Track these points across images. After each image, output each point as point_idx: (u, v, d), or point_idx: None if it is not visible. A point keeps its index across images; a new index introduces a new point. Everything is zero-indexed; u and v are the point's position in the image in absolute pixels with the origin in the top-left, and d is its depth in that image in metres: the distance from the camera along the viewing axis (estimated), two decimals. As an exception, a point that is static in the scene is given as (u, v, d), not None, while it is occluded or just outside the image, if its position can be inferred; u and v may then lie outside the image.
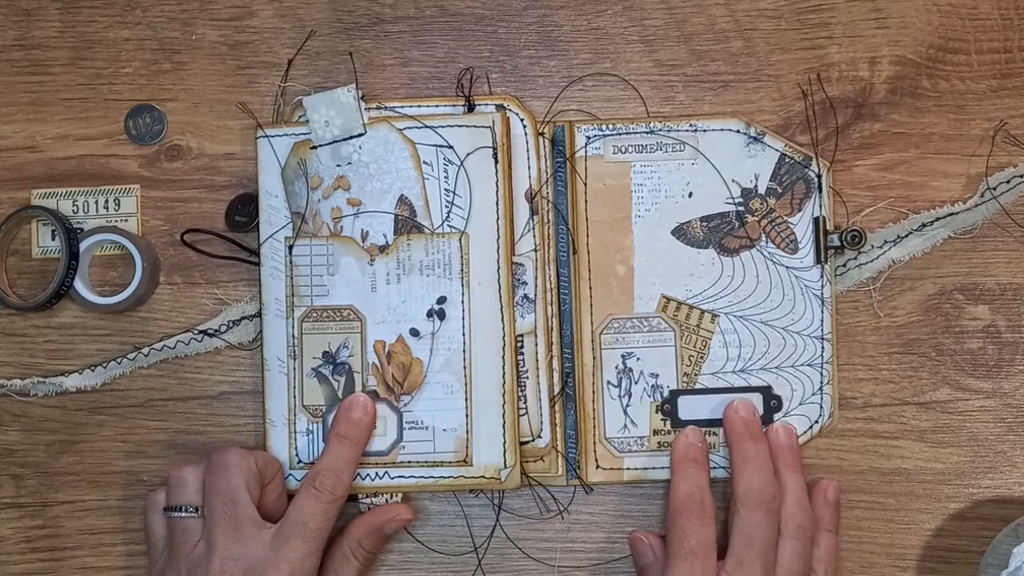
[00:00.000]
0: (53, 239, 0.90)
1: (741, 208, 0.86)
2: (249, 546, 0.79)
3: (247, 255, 0.89)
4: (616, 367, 0.87)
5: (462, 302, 0.85)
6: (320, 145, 0.87)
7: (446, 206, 0.86)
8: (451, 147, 0.86)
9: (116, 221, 0.90)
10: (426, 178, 0.86)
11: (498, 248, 0.85)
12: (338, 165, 0.87)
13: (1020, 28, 0.89)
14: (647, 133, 0.87)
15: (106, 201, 0.90)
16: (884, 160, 0.88)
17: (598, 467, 0.86)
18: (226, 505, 0.80)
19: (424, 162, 0.86)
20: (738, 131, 0.87)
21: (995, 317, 0.88)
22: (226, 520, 0.80)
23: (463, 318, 0.85)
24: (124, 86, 0.91)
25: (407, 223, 0.86)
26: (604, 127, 0.87)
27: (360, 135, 0.87)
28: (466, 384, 0.85)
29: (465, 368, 0.85)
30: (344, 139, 0.86)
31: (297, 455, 0.86)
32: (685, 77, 0.89)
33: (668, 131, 0.87)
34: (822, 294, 0.86)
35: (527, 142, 0.87)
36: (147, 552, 0.84)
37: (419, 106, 0.87)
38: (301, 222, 0.86)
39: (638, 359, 0.86)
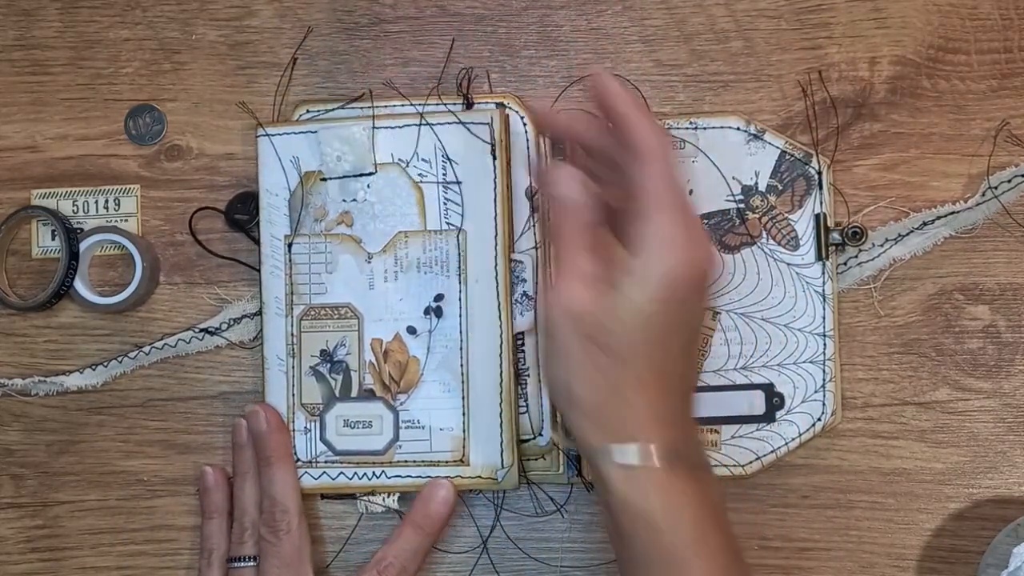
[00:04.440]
0: (53, 239, 0.90)
1: (742, 205, 0.86)
2: None
3: (249, 245, 0.89)
4: (617, 365, 0.86)
5: (460, 300, 0.85)
6: (330, 178, 0.87)
7: (444, 203, 0.86)
8: (447, 150, 0.86)
9: (116, 221, 0.90)
10: (424, 176, 0.86)
11: (496, 246, 0.85)
12: (344, 200, 0.86)
13: (1020, 28, 0.89)
14: (647, 131, 0.87)
15: (106, 201, 0.90)
16: (884, 160, 0.88)
17: (599, 465, 0.86)
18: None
19: (422, 159, 0.86)
20: (738, 128, 0.87)
21: (995, 317, 0.88)
22: None
23: (460, 316, 0.85)
24: (124, 86, 0.91)
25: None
26: (604, 125, 0.87)
27: (370, 174, 0.87)
28: (463, 383, 0.85)
29: (462, 367, 0.85)
30: (354, 176, 0.87)
31: (295, 454, 0.86)
32: (685, 77, 0.89)
33: (668, 128, 0.87)
34: (823, 291, 0.86)
35: (527, 140, 0.87)
36: None
37: (418, 104, 0.87)
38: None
39: (639, 357, 0.86)
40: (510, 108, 0.87)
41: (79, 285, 0.88)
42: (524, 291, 0.85)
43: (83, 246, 0.88)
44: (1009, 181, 0.87)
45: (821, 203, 0.86)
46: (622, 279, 0.71)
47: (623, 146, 0.74)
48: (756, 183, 0.86)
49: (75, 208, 0.90)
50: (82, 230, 0.89)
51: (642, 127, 0.73)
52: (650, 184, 0.72)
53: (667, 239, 0.71)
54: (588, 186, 0.75)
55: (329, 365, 0.86)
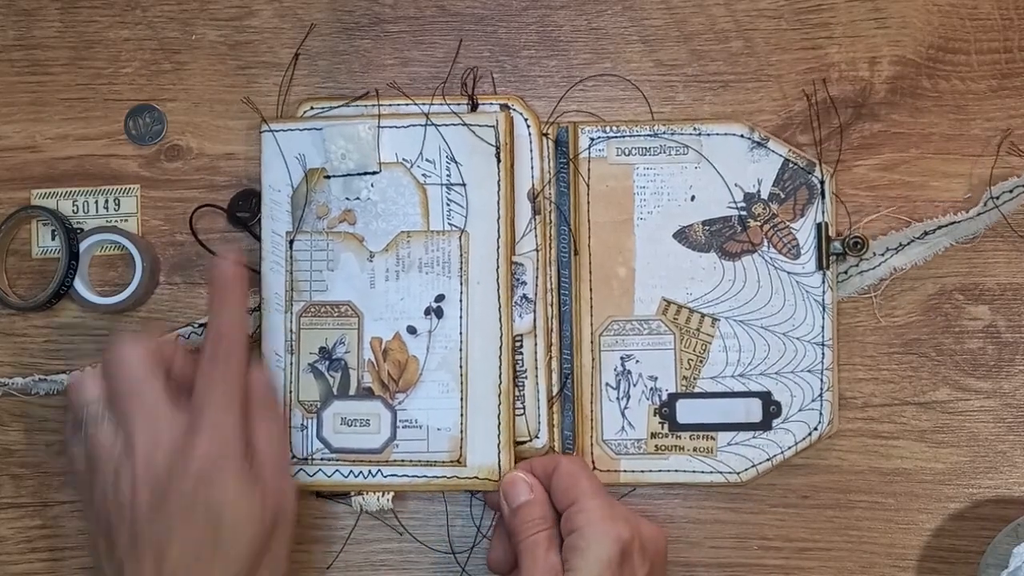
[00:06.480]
0: (53, 239, 0.90)
1: (743, 212, 0.86)
2: (166, 429, 0.76)
3: (249, 245, 0.89)
4: (615, 369, 0.87)
5: (460, 301, 0.85)
6: (334, 176, 0.87)
7: (447, 204, 0.86)
8: (452, 151, 0.86)
9: (116, 221, 0.90)
10: (428, 177, 0.86)
11: (498, 248, 0.85)
12: (347, 198, 0.87)
13: (1020, 28, 0.89)
14: (650, 136, 0.87)
15: (106, 201, 0.90)
16: (884, 160, 0.88)
17: (595, 468, 0.86)
18: (133, 397, 0.76)
19: (426, 159, 0.86)
20: (742, 136, 0.86)
21: (995, 317, 0.88)
22: (138, 412, 0.76)
23: (461, 317, 0.85)
24: (124, 86, 0.91)
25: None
26: (608, 129, 0.87)
27: (374, 173, 0.87)
28: (462, 383, 0.85)
29: (461, 367, 0.85)
30: (358, 174, 0.87)
31: (291, 450, 0.86)
32: (685, 77, 0.89)
33: (672, 134, 0.87)
34: (823, 300, 0.86)
35: (531, 142, 0.87)
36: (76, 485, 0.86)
37: (422, 104, 0.87)
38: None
39: (637, 361, 0.86)
40: (514, 110, 0.87)
41: (79, 285, 0.88)
42: (524, 293, 0.85)
43: (83, 246, 0.88)
44: (1011, 191, 0.87)
45: (823, 212, 0.86)
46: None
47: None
48: (758, 191, 0.86)
49: (75, 208, 0.90)
50: (82, 230, 0.89)
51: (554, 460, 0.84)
52: (582, 483, 0.81)
53: (605, 518, 0.79)
54: (537, 488, 0.83)
55: (328, 363, 0.86)
